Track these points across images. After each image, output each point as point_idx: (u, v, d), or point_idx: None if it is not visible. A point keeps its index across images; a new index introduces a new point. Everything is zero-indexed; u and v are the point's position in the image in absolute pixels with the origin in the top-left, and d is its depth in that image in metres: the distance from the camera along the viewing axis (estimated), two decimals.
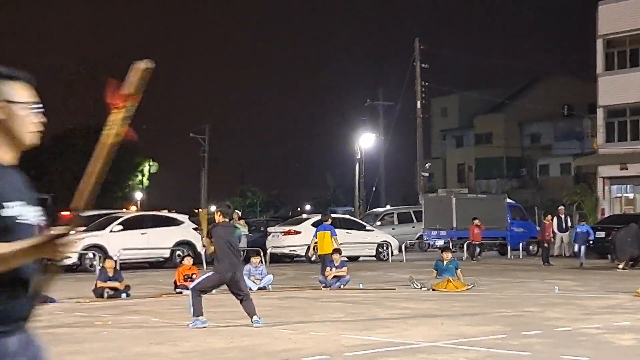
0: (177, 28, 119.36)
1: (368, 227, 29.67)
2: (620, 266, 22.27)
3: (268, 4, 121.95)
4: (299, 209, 64.78)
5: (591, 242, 24.54)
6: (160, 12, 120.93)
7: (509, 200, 32.76)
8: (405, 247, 28.68)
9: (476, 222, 27.39)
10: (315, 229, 19.59)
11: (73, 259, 23.44)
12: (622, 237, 22.85)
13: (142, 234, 24.53)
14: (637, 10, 35.82)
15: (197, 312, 10.76)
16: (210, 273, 10.98)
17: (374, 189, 46.19)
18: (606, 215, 33.33)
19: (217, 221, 11.02)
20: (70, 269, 23.49)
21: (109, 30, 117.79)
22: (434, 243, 31.14)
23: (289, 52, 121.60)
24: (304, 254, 27.25)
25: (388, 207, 41.40)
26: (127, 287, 15.40)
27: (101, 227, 24.44)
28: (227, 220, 11.11)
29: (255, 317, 10.87)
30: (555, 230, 25.77)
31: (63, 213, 30.55)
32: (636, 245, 22.25)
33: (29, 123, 2.75)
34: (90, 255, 23.13)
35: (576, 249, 24.38)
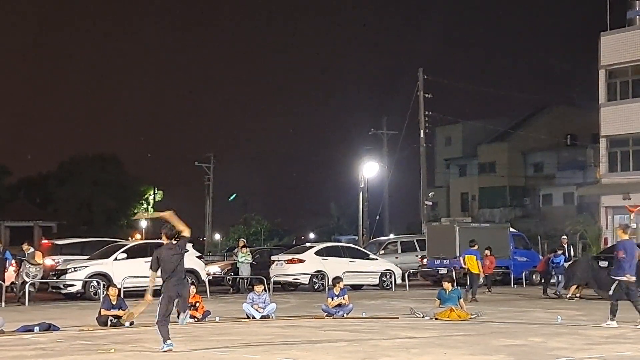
0: (182, 57, 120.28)
1: (371, 255, 29.69)
2: (569, 294, 22.44)
3: (272, 33, 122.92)
4: (302, 237, 64.75)
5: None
6: (166, 38, 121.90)
7: (512, 229, 32.73)
8: (409, 276, 28.66)
9: (486, 252, 26.98)
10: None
11: (77, 287, 23.54)
12: (575, 266, 23.18)
13: (146, 262, 24.45)
14: (639, 41, 36.09)
15: (165, 338, 11.02)
16: (161, 297, 11.16)
17: (377, 217, 46.21)
18: (609, 244, 33.29)
19: (164, 242, 11.24)
20: (74, 296, 23.57)
21: (113, 60, 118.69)
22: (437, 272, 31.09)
23: (293, 81, 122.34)
24: (307, 282, 27.25)
25: (392, 235, 41.38)
26: (131, 315, 15.41)
27: (105, 255, 24.53)
28: (171, 241, 11.25)
29: (182, 315, 11.44)
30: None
31: (44, 242, 30.72)
32: (586, 273, 22.49)
33: None
34: (95, 283, 23.18)
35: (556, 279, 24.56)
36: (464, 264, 23.40)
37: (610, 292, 14.95)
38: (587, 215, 39.22)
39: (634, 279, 14.74)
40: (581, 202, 48.64)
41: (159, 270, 11.14)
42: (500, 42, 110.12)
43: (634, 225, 27.08)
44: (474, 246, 23.28)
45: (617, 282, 14.70)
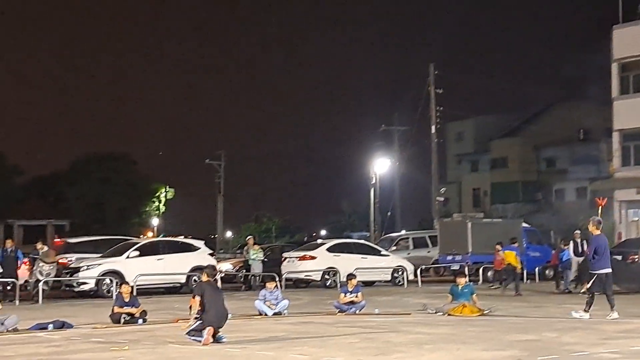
0: (194, 56, 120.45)
1: (383, 252, 29.68)
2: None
3: (284, 31, 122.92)
4: (314, 234, 64.75)
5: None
6: (178, 39, 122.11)
7: (524, 224, 32.61)
8: (421, 272, 28.62)
9: (497, 247, 26.63)
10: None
11: (90, 284, 23.65)
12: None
13: (158, 259, 24.66)
14: None
15: (199, 335, 11.67)
16: (198, 322, 11.76)
17: (389, 214, 46.14)
18: (622, 239, 33.10)
19: (204, 280, 12.17)
20: (88, 294, 23.68)
21: (125, 60, 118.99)
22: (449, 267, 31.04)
23: (303, 78, 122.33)
24: (319, 279, 27.25)
25: (403, 232, 41.33)
26: (144, 313, 15.46)
27: (118, 253, 24.64)
28: (210, 279, 12.27)
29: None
30: (571, 254, 25.53)
31: (56, 240, 30.85)
32: None
33: None
34: (107, 281, 23.27)
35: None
36: (504, 259, 23.83)
37: (588, 286, 15.32)
38: (601, 209, 38.93)
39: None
40: (594, 197, 48.33)
41: (205, 307, 11.83)
42: (513, 37, 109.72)
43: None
44: (514, 242, 24.22)
45: (595, 275, 15.01)
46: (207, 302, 11.74)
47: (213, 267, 12.97)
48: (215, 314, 11.77)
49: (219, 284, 23.92)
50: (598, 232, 15.18)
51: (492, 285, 25.83)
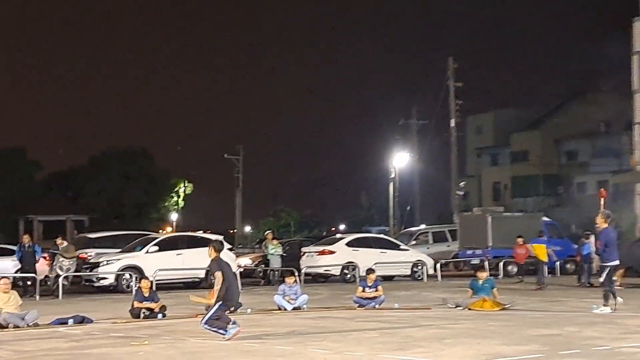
0: (212, 50, 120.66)
1: (403, 246, 29.58)
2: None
3: (301, 26, 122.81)
4: (333, 228, 64.70)
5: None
6: (194, 35, 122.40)
7: (545, 218, 32.39)
8: (441, 266, 28.50)
9: (519, 241, 26.23)
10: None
11: (110, 279, 23.75)
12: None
13: (177, 254, 24.71)
14: None
15: (224, 327, 11.39)
16: (219, 304, 11.42)
17: (408, 208, 46.02)
18: None
19: (213, 257, 11.61)
20: (107, 289, 23.79)
21: (144, 55, 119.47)
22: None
23: (322, 72, 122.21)
24: (338, 273, 27.20)
25: (423, 226, 41.16)
26: (163, 308, 15.50)
27: (137, 248, 24.70)
28: (218, 254, 11.68)
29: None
30: (592, 248, 25.31)
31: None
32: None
33: None
34: (127, 276, 23.35)
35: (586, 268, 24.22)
36: (527, 252, 24.38)
37: (601, 280, 15.31)
38: (622, 203, 38.64)
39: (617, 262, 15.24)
40: (616, 190, 47.94)
41: (226, 285, 11.52)
42: (533, 29, 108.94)
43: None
44: (541, 236, 24.76)
45: (608, 268, 15.05)
46: (227, 279, 11.42)
47: (220, 242, 12.29)
48: (235, 292, 11.62)
49: (239, 281, 24.02)
50: (606, 225, 15.13)
51: (521, 280, 25.74)
